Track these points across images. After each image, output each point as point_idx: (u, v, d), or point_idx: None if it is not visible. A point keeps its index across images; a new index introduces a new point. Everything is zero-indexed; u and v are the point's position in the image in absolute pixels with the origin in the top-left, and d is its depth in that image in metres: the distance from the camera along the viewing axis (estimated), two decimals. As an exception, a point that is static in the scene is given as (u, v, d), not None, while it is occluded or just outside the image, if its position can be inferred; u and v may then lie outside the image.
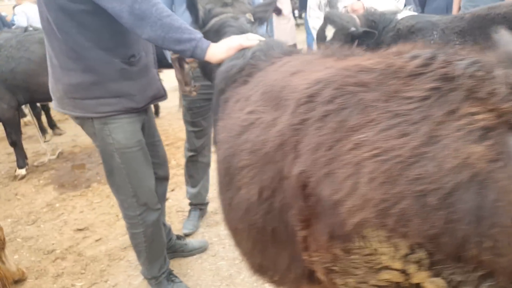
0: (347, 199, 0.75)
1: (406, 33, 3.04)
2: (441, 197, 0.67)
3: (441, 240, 0.67)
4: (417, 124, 0.73)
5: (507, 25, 2.90)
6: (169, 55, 2.27)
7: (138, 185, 2.16)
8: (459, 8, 4.29)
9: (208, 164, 3.12)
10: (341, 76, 0.90)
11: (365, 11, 3.27)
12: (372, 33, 2.96)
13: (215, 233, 3.16)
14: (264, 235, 1.16)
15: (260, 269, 1.31)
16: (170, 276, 2.52)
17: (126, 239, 3.21)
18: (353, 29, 2.97)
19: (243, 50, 1.69)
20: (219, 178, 1.38)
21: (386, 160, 0.72)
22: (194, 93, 2.27)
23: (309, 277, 1.10)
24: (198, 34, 1.76)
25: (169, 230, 2.81)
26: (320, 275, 0.98)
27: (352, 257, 0.80)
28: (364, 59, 0.95)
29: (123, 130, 2.05)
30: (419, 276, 0.71)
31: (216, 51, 1.74)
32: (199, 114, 2.82)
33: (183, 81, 2.22)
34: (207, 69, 2.14)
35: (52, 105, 2.31)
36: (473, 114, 0.69)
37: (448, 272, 0.69)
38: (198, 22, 1.99)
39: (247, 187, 1.15)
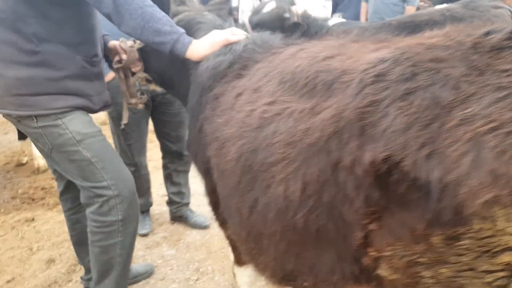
0: (469, 177, 0.68)
1: (340, 38, 3.21)
2: None
3: None
4: None
5: (429, 30, 3.32)
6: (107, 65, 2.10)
7: (119, 177, 1.87)
8: (366, 19, 4.81)
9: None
10: (412, 53, 0.85)
11: (301, 14, 3.35)
12: (301, 26, 3.01)
13: (158, 255, 2.86)
14: (304, 236, 1.03)
15: (289, 276, 1.16)
16: None
17: (48, 274, 2.76)
18: (287, 15, 2.97)
19: (229, 45, 1.57)
20: (230, 179, 1.21)
21: (510, 133, 0.66)
22: (140, 106, 2.14)
23: (358, 277, 1.01)
24: (180, 29, 1.65)
25: None
26: (387, 271, 0.89)
27: (460, 242, 0.73)
28: (425, 38, 0.90)
29: (81, 121, 1.81)
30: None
31: (199, 47, 1.65)
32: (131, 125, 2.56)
33: (128, 93, 2.04)
34: (165, 77, 2.04)
35: None
36: None
37: None
38: None
39: (283, 184, 1.02)
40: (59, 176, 2.16)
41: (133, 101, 2.07)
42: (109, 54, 2.00)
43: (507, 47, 0.77)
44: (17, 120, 1.77)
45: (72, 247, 2.48)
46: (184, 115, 2.88)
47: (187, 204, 3.17)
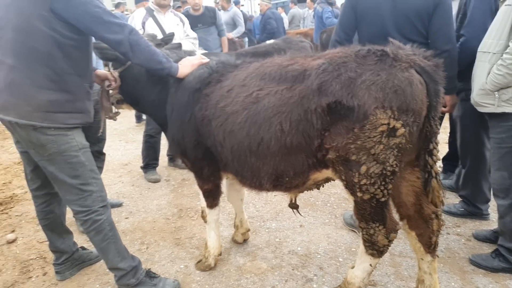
0: (365, 101, 1.86)
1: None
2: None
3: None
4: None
5: (265, 57, 4.79)
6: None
7: (98, 181, 2.50)
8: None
9: None
10: (333, 59, 2.02)
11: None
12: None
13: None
14: (289, 149, 2.09)
15: (279, 175, 2.19)
16: (150, 273, 2.76)
17: (3, 280, 2.99)
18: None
19: (203, 64, 2.53)
20: (240, 133, 2.17)
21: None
22: (116, 118, 2.87)
23: (315, 164, 2.11)
24: (170, 59, 2.54)
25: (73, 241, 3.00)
26: (333, 154, 2.01)
27: (365, 127, 1.90)
28: (334, 53, 2.09)
29: (81, 134, 2.46)
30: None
31: (185, 69, 2.56)
32: None
33: (109, 108, 2.74)
34: (132, 97, 2.86)
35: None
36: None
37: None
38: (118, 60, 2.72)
39: (279, 125, 2.05)
40: (34, 176, 2.66)
41: (112, 114, 2.77)
42: (95, 79, 2.64)
43: (366, 56, 2.00)
44: (34, 128, 2.27)
45: (12, 257, 3.12)
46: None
47: None
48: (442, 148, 4.32)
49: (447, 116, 4.04)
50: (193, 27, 5.34)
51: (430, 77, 1.96)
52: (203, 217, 2.98)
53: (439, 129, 2.08)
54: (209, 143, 2.44)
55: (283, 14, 12.68)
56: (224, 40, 6.40)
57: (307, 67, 2.09)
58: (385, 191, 2.03)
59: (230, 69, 2.46)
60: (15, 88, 2.21)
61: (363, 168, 1.97)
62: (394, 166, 1.98)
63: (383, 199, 2.06)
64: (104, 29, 2.22)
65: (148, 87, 2.76)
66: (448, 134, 4.16)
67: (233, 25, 8.98)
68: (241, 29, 9.10)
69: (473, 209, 3.43)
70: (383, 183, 2.00)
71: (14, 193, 4.69)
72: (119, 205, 4.21)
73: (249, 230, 3.32)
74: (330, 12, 9.40)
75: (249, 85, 2.24)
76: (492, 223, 3.39)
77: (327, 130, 2.01)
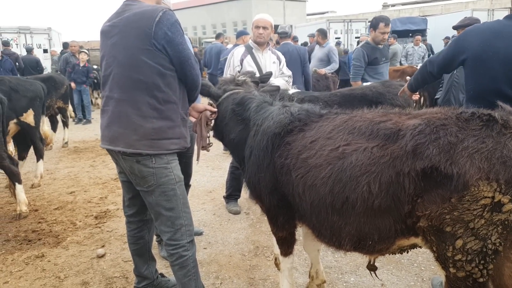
0: (466, 171, 1.69)
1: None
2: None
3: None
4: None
5: (361, 100, 4.59)
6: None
7: (189, 215, 2.62)
8: None
9: None
10: (432, 121, 1.88)
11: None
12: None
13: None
14: (376, 212, 1.95)
15: (361, 238, 2.06)
16: None
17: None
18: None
19: (285, 108, 2.58)
20: (322, 188, 2.10)
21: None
22: (209, 149, 2.92)
23: (404, 231, 1.94)
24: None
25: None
26: (424, 222, 1.84)
27: (464, 198, 1.71)
28: (432, 113, 1.95)
29: (178, 168, 2.60)
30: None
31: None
32: None
33: (205, 137, 2.86)
34: (218, 130, 3.00)
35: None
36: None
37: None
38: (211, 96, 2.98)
39: (366, 185, 1.94)
40: (131, 203, 2.84)
41: (207, 145, 2.88)
42: (191, 112, 2.84)
43: (470, 119, 1.83)
44: (137, 161, 2.44)
45: (99, 272, 3.32)
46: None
47: None
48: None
49: None
50: None
51: (545, 148, 1.73)
52: (277, 265, 2.92)
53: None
54: (287, 192, 2.40)
55: (394, 46, 12.28)
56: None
57: (401, 126, 1.97)
58: (484, 271, 1.80)
59: (314, 118, 2.43)
60: (123, 119, 2.39)
61: (459, 243, 1.78)
62: (497, 244, 1.75)
63: (481, 280, 1.82)
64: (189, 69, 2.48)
65: (231, 125, 2.86)
66: None
67: (328, 61, 9.04)
68: (335, 65, 9.11)
69: None
70: (482, 262, 1.78)
71: (108, 209, 5.10)
72: (200, 233, 4.33)
73: (325, 281, 3.17)
74: None
75: (335, 139, 2.17)
76: None
77: (420, 197, 1.85)
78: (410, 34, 18.54)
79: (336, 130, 2.21)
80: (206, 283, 3.33)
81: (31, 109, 5.82)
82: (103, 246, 4.09)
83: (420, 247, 2.11)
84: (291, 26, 6.80)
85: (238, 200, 5.16)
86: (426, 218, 1.85)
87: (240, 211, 4.99)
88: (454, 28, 6.09)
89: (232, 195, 5.12)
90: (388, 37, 15.93)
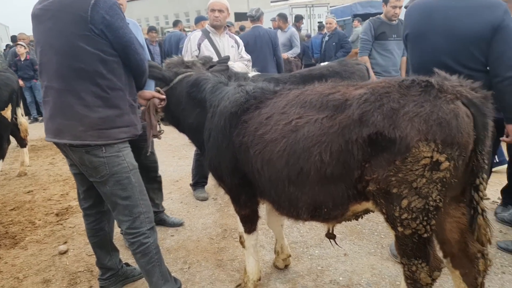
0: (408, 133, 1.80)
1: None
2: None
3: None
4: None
5: (319, 80, 4.75)
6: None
7: (146, 202, 2.60)
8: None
9: None
10: (376, 89, 1.99)
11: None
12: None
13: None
14: (329, 179, 2.05)
15: (317, 206, 2.16)
16: None
17: None
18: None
19: (241, 87, 2.61)
20: (278, 162, 2.17)
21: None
22: (161, 137, 2.95)
23: (355, 196, 2.06)
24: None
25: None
26: (373, 186, 1.95)
27: (407, 160, 1.83)
28: (377, 83, 2.06)
29: (131, 155, 2.55)
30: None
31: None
32: None
33: (156, 125, 2.85)
34: (174, 116, 3.00)
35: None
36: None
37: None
38: (164, 79, 2.92)
39: (319, 155, 2.03)
40: (86, 195, 2.79)
41: (156, 133, 2.88)
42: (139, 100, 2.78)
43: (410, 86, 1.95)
44: (86, 151, 2.38)
45: (62, 268, 3.35)
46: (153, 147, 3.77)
47: (162, 211, 4.20)
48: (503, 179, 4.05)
49: None
50: None
51: (477, 109, 1.87)
52: (242, 243, 3.00)
53: (486, 164, 1.97)
54: (246, 170, 2.47)
55: (357, 29, 12.50)
56: None
57: (348, 96, 2.07)
58: (428, 227, 1.94)
59: (269, 95, 2.49)
60: (66, 110, 2.31)
61: (404, 202, 1.90)
62: (438, 201, 1.89)
63: (425, 235, 1.96)
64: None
65: (188, 109, 2.86)
66: (507, 165, 3.89)
67: (290, 46, 9.15)
68: (296, 50, 9.24)
69: (534, 247, 3.16)
70: (425, 218, 1.92)
71: (69, 205, 5.01)
72: (180, 224, 4.29)
73: (290, 256, 3.29)
74: None
75: (288, 113, 2.25)
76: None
77: (368, 162, 1.96)
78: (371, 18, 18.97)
79: (289, 105, 2.29)
80: (174, 269, 3.36)
81: (10, 104, 5.67)
82: (65, 242, 4.01)
83: (373, 211, 2.23)
84: (259, 8, 6.64)
85: (206, 186, 5.20)
86: (374, 182, 1.96)
87: (208, 198, 5.03)
88: (405, 7, 6.31)
89: (198, 182, 5.14)
90: (352, 20, 16.05)
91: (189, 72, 2.95)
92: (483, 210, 2.04)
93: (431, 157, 1.81)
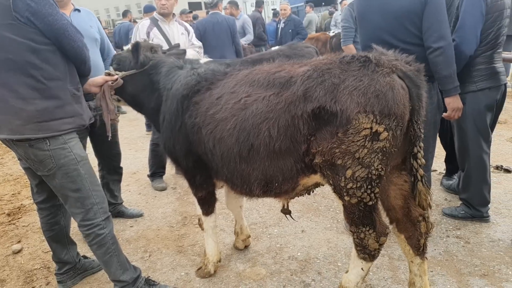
0: (348, 106, 1.89)
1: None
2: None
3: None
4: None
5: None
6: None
7: (99, 192, 2.55)
8: None
9: None
10: (318, 66, 2.06)
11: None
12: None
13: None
14: (278, 154, 2.13)
15: (268, 181, 2.23)
16: (149, 281, 2.82)
17: None
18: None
19: (193, 70, 2.62)
20: (230, 139, 2.22)
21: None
22: (118, 120, 2.87)
23: (304, 169, 2.14)
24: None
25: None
26: (319, 158, 2.04)
27: (349, 132, 1.92)
28: (320, 60, 2.14)
29: (79, 146, 2.49)
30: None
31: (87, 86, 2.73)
32: None
33: (113, 110, 2.80)
34: (137, 101, 2.97)
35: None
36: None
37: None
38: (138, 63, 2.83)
39: (267, 131, 2.09)
40: (39, 189, 2.72)
41: (114, 117, 2.82)
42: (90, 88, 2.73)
43: (350, 62, 2.04)
44: (29, 145, 2.30)
45: (17, 267, 3.26)
46: (117, 137, 3.71)
47: (121, 203, 4.17)
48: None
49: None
50: None
51: (412, 81, 1.99)
52: (200, 225, 3.03)
53: (423, 133, 2.10)
54: (200, 151, 2.50)
55: (310, 15, 12.71)
56: None
57: (293, 74, 2.14)
58: (372, 195, 2.06)
59: (219, 77, 2.52)
60: (1, 104, 2.22)
61: (349, 172, 2.00)
62: (380, 170, 2.00)
63: (370, 203, 2.08)
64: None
65: (150, 94, 2.85)
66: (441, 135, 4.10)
67: (243, 33, 9.15)
68: (250, 36, 9.26)
69: (473, 211, 3.40)
70: (369, 187, 2.03)
71: (22, 204, 4.83)
72: (139, 215, 4.25)
73: (249, 236, 3.36)
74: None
75: (238, 92, 2.29)
76: (492, 225, 3.36)
77: (313, 135, 2.05)
78: (323, 3, 19.25)
79: (239, 84, 2.34)
80: (134, 258, 3.35)
81: None
82: (19, 241, 3.88)
83: (322, 184, 2.32)
84: (218, -7, 6.50)
85: (164, 176, 5.16)
86: (320, 154, 2.05)
87: (167, 187, 5.00)
88: None
89: (156, 172, 5.10)
90: (305, 5, 16.07)
91: (154, 57, 2.91)
92: (422, 177, 2.18)
93: (371, 128, 1.92)
